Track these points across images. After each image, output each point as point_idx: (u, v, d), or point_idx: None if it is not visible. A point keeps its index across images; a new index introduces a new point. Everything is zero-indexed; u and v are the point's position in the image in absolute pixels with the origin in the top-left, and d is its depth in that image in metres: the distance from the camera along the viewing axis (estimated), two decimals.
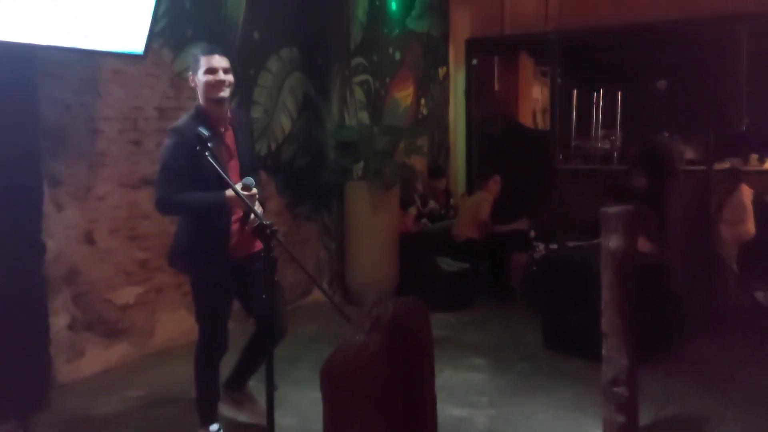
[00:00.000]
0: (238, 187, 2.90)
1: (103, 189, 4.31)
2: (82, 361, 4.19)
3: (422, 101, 7.92)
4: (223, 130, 3.11)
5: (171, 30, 4.71)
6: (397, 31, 7.31)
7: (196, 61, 3.05)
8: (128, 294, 4.49)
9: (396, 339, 2.23)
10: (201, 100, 3.08)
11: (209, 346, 3.23)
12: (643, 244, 5.01)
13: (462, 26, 8.43)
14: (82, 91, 4.18)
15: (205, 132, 2.87)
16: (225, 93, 3.03)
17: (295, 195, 6.00)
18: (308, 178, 6.08)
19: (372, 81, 6.83)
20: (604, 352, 3.13)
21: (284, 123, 5.87)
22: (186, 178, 2.94)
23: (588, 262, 4.20)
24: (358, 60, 6.59)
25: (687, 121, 5.72)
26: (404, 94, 7.53)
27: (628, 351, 3.05)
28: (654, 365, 4.03)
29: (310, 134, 6.14)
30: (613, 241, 3.09)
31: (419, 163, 7.58)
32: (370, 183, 5.91)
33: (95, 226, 4.27)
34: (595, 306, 3.20)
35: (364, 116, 6.67)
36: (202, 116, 3.05)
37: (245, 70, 5.40)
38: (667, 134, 7.32)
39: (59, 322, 4.02)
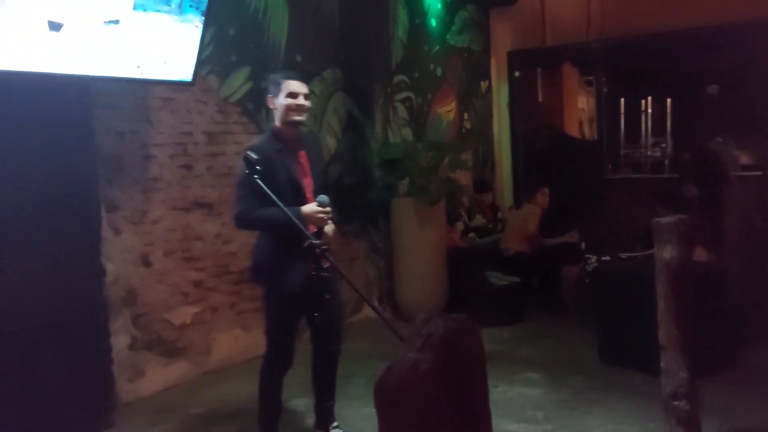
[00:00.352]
0: (313, 204, 3.09)
1: (157, 213, 4.43)
2: (144, 380, 4.30)
3: (465, 116, 7.93)
4: (297, 150, 3.27)
5: (217, 56, 4.84)
6: (438, 47, 7.35)
7: (278, 85, 3.22)
8: (185, 314, 4.59)
9: (448, 356, 2.23)
10: (277, 121, 3.27)
11: (276, 359, 3.29)
12: (700, 254, 4.89)
13: (503, 39, 8.41)
14: (135, 119, 4.33)
15: (253, 155, 2.97)
16: (303, 117, 3.24)
17: (343, 213, 6.05)
18: (355, 196, 6.13)
19: (414, 98, 6.87)
20: (662, 364, 3.05)
21: (330, 143, 5.95)
22: (262, 194, 3.04)
23: (642, 273, 4.12)
24: (399, 77, 6.65)
25: (740, 126, 5.58)
26: (447, 110, 7.56)
27: (687, 363, 2.98)
28: (716, 377, 3.93)
29: (355, 153, 6.21)
30: (667, 252, 3.02)
31: (464, 177, 7.57)
32: (415, 199, 5.93)
33: (151, 249, 4.39)
34: (652, 318, 3.14)
35: (408, 133, 6.71)
36: (278, 136, 3.23)
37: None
38: (720, 139, 7.14)
39: (120, 342, 4.14)
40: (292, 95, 3.19)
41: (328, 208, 3.11)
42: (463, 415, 2.28)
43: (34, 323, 3.10)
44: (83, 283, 3.72)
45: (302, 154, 3.30)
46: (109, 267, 4.05)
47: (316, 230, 3.13)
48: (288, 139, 3.24)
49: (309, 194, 3.24)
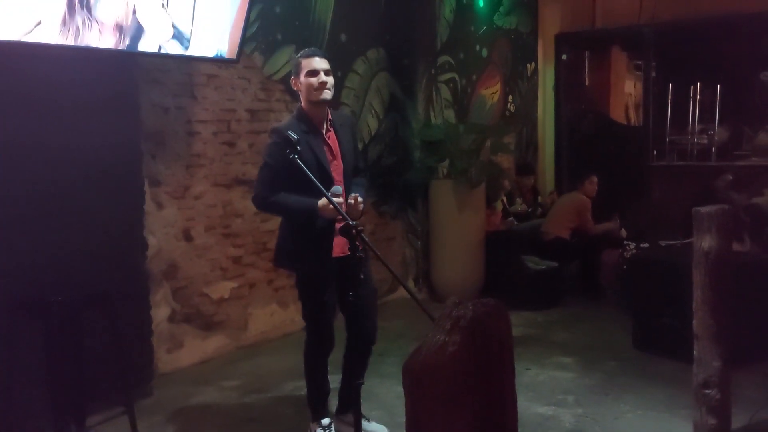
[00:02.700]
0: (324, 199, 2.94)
1: (199, 188, 4.52)
2: (182, 352, 4.42)
3: (509, 98, 7.84)
4: (324, 131, 3.17)
5: (262, 34, 4.88)
6: (484, 28, 7.27)
7: (297, 65, 3.12)
8: (223, 288, 4.70)
9: (475, 339, 2.25)
10: (303, 102, 3.16)
11: (316, 343, 3.27)
12: (740, 244, 4.79)
13: (551, 21, 8.28)
14: (180, 95, 4.40)
15: (294, 135, 2.92)
16: (326, 95, 3.09)
17: (381, 194, 6.08)
18: (394, 177, 6.15)
19: (458, 79, 6.82)
20: (695, 353, 3.03)
21: (371, 123, 5.97)
22: (285, 178, 2.99)
23: (680, 261, 4.06)
24: (444, 58, 6.60)
25: None
26: (491, 92, 7.49)
27: (720, 353, 2.95)
28: (750, 367, 3.88)
29: (396, 134, 6.21)
30: (705, 242, 2.98)
31: (506, 160, 7.51)
32: (455, 182, 5.92)
33: (192, 224, 4.48)
34: (688, 306, 3.11)
35: (450, 115, 6.67)
36: (304, 118, 3.13)
37: (333, 72, 5.50)
38: None
39: (160, 314, 4.26)
40: (312, 73, 3.06)
41: (339, 199, 2.95)
42: (489, 396, 2.30)
43: (77, 294, 3.19)
44: (126, 255, 3.82)
45: (331, 135, 3.19)
46: (152, 240, 4.15)
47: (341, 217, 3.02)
48: (314, 119, 3.13)
49: (338, 177, 3.14)
